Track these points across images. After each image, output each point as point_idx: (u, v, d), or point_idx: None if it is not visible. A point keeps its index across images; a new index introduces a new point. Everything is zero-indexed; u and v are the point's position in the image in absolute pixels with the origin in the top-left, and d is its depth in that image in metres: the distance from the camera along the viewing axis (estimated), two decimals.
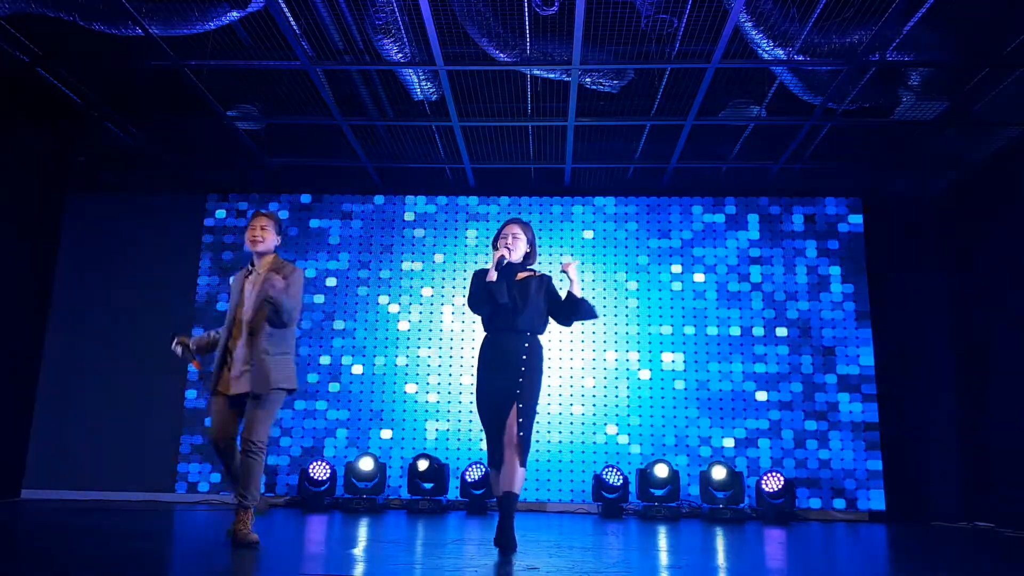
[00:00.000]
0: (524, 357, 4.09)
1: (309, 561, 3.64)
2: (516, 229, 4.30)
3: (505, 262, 4.19)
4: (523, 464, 4.03)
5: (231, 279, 4.35)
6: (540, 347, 4.21)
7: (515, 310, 4.12)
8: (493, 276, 4.14)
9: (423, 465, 7.18)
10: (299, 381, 7.82)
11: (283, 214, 8.36)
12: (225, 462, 4.10)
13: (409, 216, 8.35)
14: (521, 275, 4.27)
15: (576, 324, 7.92)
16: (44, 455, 7.80)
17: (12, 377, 7.60)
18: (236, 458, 4.05)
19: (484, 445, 4.39)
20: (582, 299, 4.23)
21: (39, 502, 7.22)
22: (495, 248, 4.28)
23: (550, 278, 4.35)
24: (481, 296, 4.13)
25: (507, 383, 4.05)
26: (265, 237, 4.24)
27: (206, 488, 7.77)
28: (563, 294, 4.27)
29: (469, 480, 7.23)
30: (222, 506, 7.31)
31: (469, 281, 4.35)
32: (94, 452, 7.75)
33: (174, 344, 4.25)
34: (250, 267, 4.27)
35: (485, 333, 4.26)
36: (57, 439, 7.81)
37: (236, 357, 4.07)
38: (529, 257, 4.34)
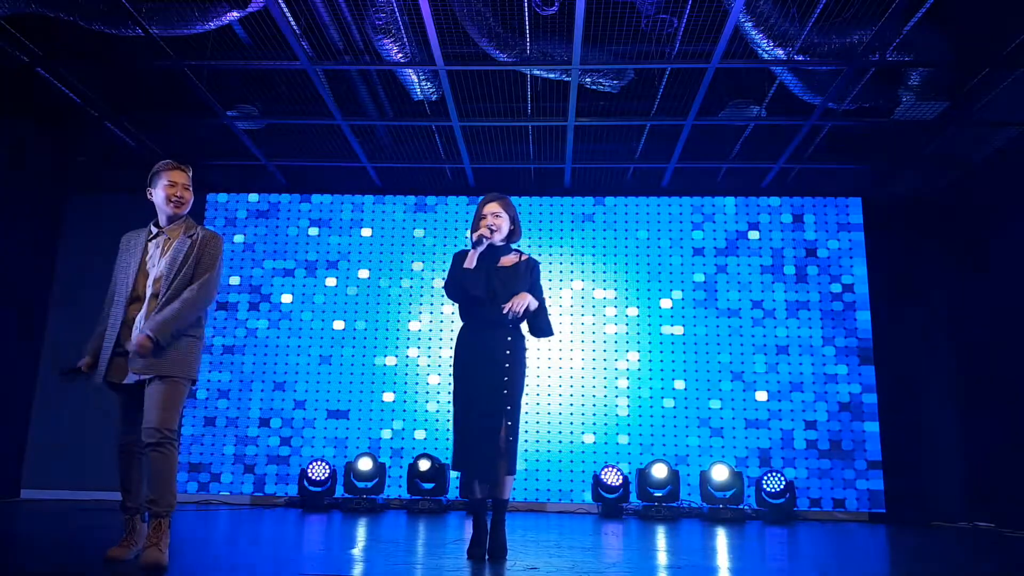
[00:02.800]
0: (508, 353, 3.72)
1: (309, 561, 3.64)
2: (496, 207, 3.86)
3: (485, 244, 3.80)
4: (512, 472, 3.71)
5: (122, 238, 3.60)
6: (524, 340, 3.85)
7: (496, 301, 3.73)
8: (472, 263, 3.77)
9: (424, 465, 7.18)
10: (300, 380, 7.94)
11: (283, 214, 8.37)
12: (130, 464, 3.46)
13: (408, 216, 8.35)
14: (506, 260, 3.88)
15: (577, 325, 8.02)
16: (43, 455, 7.79)
17: (11, 377, 7.59)
18: (139, 462, 3.43)
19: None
20: (541, 310, 3.86)
21: (38, 502, 7.22)
22: (474, 230, 3.84)
23: (537, 264, 3.96)
24: (458, 285, 3.78)
25: (490, 383, 3.67)
26: (187, 197, 3.54)
27: (205, 488, 7.76)
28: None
29: None
30: (223, 505, 7.31)
31: (449, 263, 3.95)
32: (92, 452, 7.74)
33: (75, 379, 3.59)
34: (153, 228, 3.55)
35: (463, 323, 3.86)
36: (56, 439, 7.80)
37: (135, 334, 3.33)
38: (513, 235, 3.92)
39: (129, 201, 8.39)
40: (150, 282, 3.43)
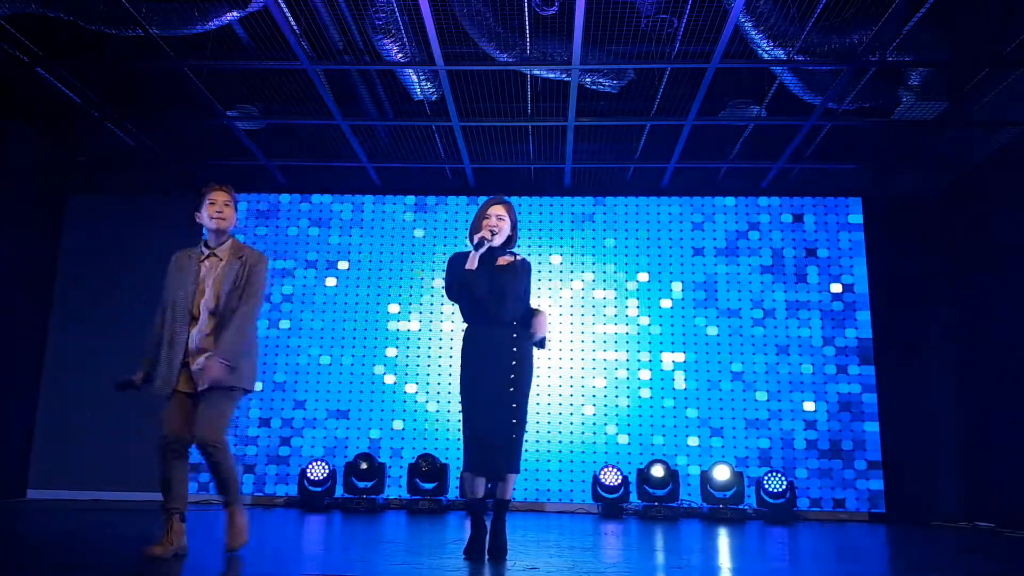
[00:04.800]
0: (515, 351, 3.78)
1: (309, 561, 3.63)
2: (501, 210, 3.90)
3: (487, 246, 3.81)
4: (516, 470, 3.74)
5: (173, 257, 3.82)
6: (530, 339, 3.89)
7: (498, 300, 3.79)
8: (474, 264, 3.78)
9: (425, 465, 7.18)
10: (301, 380, 7.94)
11: (284, 215, 8.37)
12: (182, 468, 3.63)
13: (409, 216, 8.35)
14: (503, 260, 3.91)
15: (577, 325, 8.01)
16: (48, 456, 7.79)
17: (15, 378, 7.59)
18: (184, 463, 3.64)
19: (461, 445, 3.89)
20: (539, 326, 3.88)
21: (44, 502, 7.22)
22: (476, 230, 3.88)
23: (529, 265, 4.00)
24: (459, 285, 3.81)
25: (498, 381, 3.71)
26: (228, 215, 3.78)
27: (206, 488, 7.76)
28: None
29: None
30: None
31: (446, 265, 3.98)
32: (98, 452, 7.75)
33: (128, 389, 3.81)
34: (205, 249, 3.79)
35: (467, 325, 3.91)
36: (61, 440, 7.81)
37: (193, 350, 3.63)
38: (510, 240, 3.96)
39: (129, 201, 8.42)
40: (204, 301, 3.68)
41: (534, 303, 4.04)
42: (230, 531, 3.66)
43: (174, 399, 3.64)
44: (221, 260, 3.76)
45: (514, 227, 3.95)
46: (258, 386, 7.95)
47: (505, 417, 3.69)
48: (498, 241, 3.87)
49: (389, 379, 7.97)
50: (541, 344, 3.93)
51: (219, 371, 3.54)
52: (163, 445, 3.59)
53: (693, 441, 7.73)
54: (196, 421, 3.58)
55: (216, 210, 3.77)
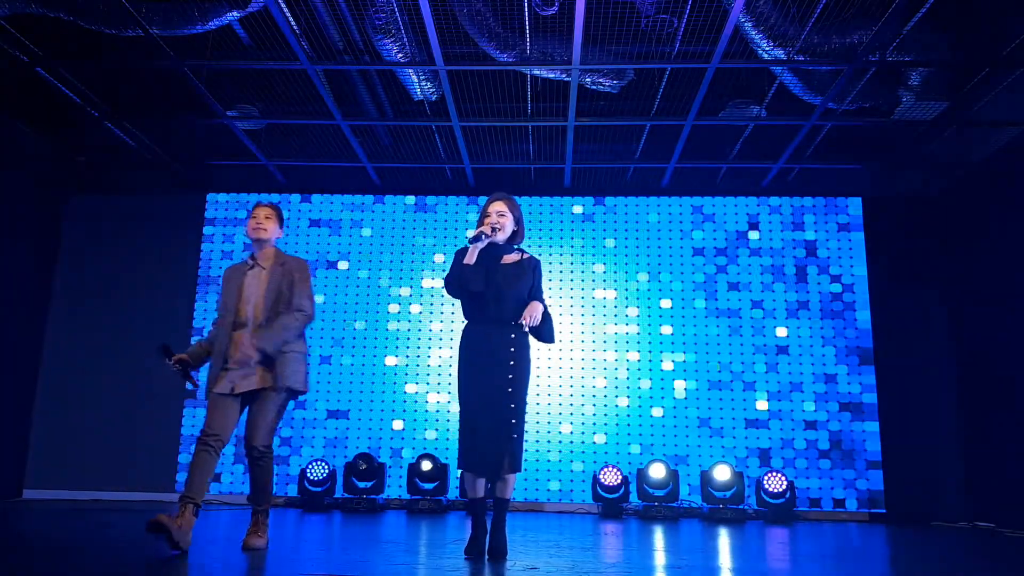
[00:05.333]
0: (512, 351, 3.74)
1: (309, 561, 3.64)
2: (502, 206, 3.87)
3: (486, 241, 3.79)
4: (516, 469, 3.72)
5: (224, 271, 4.19)
6: (527, 338, 3.85)
7: (496, 298, 3.76)
8: (472, 259, 3.77)
9: (427, 465, 7.18)
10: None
11: (284, 214, 8.35)
12: (208, 461, 3.79)
13: (408, 216, 8.35)
14: (508, 258, 3.88)
15: (577, 325, 8.01)
16: (45, 455, 7.80)
17: (13, 377, 7.60)
18: (215, 460, 3.82)
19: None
20: (545, 318, 3.83)
21: (41, 502, 7.22)
22: (478, 227, 3.87)
23: (539, 264, 3.98)
24: (457, 280, 3.79)
25: (496, 381, 3.69)
26: (268, 227, 4.09)
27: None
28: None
29: None
30: (222, 506, 7.31)
31: (451, 260, 3.98)
32: (94, 452, 7.75)
33: (171, 362, 3.97)
34: (250, 261, 4.10)
35: (466, 322, 3.88)
36: (58, 439, 7.81)
37: (240, 356, 3.89)
38: (516, 236, 3.92)
39: (129, 201, 8.43)
40: (250, 308, 3.98)
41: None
42: (254, 532, 3.92)
43: (218, 400, 3.87)
44: (264, 270, 4.06)
45: (518, 223, 3.92)
46: None
47: (503, 417, 3.68)
48: (500, 238, 3.84)
49: (389, 379, 7.97)
50: (543, 336, 3.86)
51: (248, 348, 3.85)
52: (202, 438, 3.81)
53: (693, 441, 7.73)
54: (247, 425, 3.89)
55: (256, 223, 4.09)
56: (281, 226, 4.19)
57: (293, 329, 3.94)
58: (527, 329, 3.83)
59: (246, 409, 3.98)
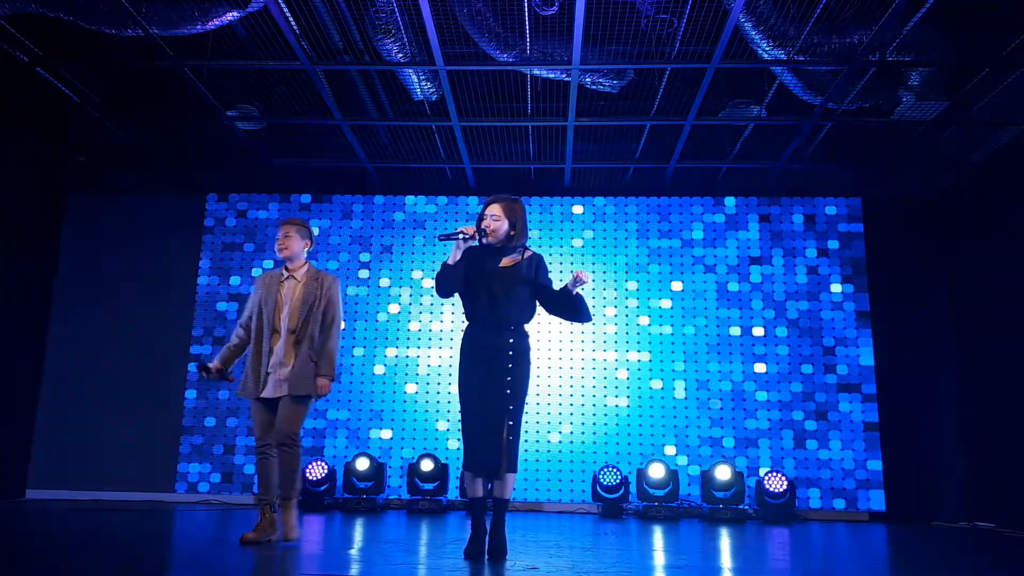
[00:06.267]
0: (511, 353, 3.74)
1: (309, 561, 3.64)
2: (495, 209, 3.84)
3: (467, 243, 3.77)
4: (513, 470, 3.73)
5: (257, 277, 4.46)
6: (527, 340, 3.85)
7: (497, 302, 3.75)
8: (454, 259, 3.78)
9: (427, 465, 7.17)
10: None
11: (283, 215, 8.36)
12: (269, 466, 4.18)
13: (409, 216, 8.35)
14: (507, 261, 3.84)
15: (577, 325, 7.99)
16: (47, 456, 7.80)
17: (15, 378, 7.59)
18: (275, 461, 4.17)
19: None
20: (579, 297, 3.83)
21: (43, 502, 7.22)
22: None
23: (541, 258, 3.92)
24: (438, 279, 3.82)
25: (494, 383, 3.71)
26: (288, 245, 4.33)
27: (206, 488, 7.76)
28: (558, 285, 3.89)
29: None
30: (221, 506, 7.31)
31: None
32: (96, 453, 7.75)
33: (210, 375, 4.29)
34: (284, 272, 4.37)
35: (467, 323, 3.88)
36: (60, 440, 7.81)
37: (275, 361, 4.19)
38: (515, 238, 3.86)
39: (129, 201, 8.43)
40: (285, 317, 4.26)
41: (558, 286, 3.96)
42: (286, 524, 4.16)
43: (259, 407, 4.21)
44: (299, 283, 4.33)
45: (516, 224, 3.85)
46: None
47: (501, 419, 3.69)
48: (495, 239, 3.82)
49: (389, 378, 7.97)
50: (580, 314, 3.87)
51: (327, 388, 4.26)
52: (258, 447, 4.22)
53: (693, 441, 7.73)
54: (277, 419, 4.17)
55: (279, 243, 4.36)
56: (305, 239, 4.40)
57: (337, 347, 4.35)
58: (576, 292, 3.80)
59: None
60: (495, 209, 3.85)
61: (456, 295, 3.90)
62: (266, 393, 4.16)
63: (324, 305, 4.30)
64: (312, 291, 4.30)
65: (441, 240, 3.79)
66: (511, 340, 3.77)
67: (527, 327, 3.88)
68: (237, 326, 4.41)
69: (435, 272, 8.05)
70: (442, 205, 8.37)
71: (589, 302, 8.05)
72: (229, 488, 7.74)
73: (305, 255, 4.42)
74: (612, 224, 8.25)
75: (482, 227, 3.82)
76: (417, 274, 8.21)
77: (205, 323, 8.07)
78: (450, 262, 3.79)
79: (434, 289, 3.98)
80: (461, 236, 3.75)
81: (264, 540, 4.05)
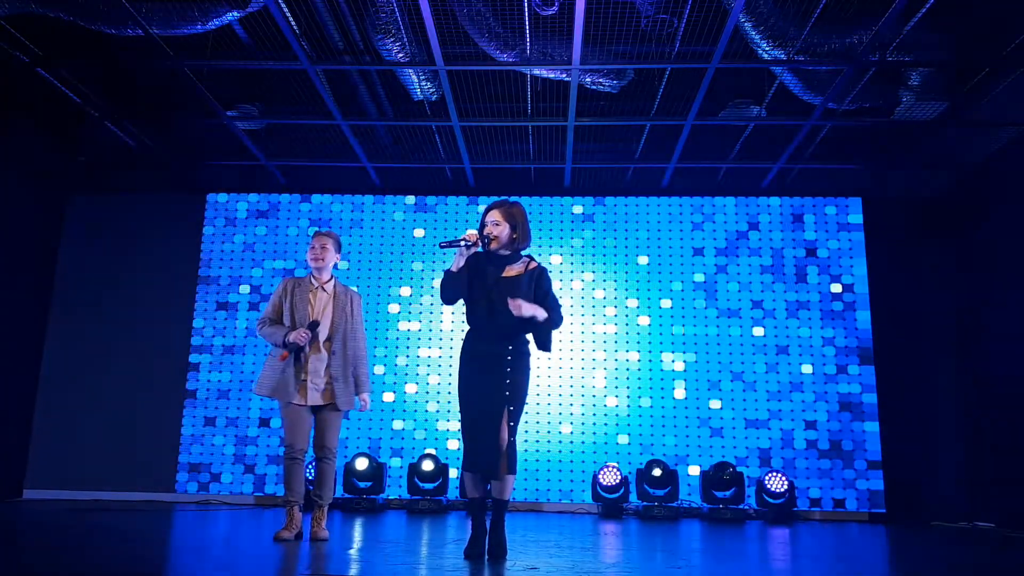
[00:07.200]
0: (510, 359, 3.74)
1: (309, 561, 3.63)
2: (496, 215, 3.81)
3: (469, 251, 3.74)
4: (512, 471, 3.73)
5: (283, 282, 4.55)
6: (526, 346, 3.83)
7: (496, 311, 3.73)
8: (457, 266, 3.75)
9: (427, 465, 7.17)
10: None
11: (283, 215, 8.36)
12: (297, 471, 4.38)
13: (409, 216, 8.35)
14: (511, 270, 3.82)
15: (577, 325, 8.00)
16: (45, 455, 7.80)
17: (13, 377, 7.60)
18: (303, 467, 4.42)
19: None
20: (538, 323, 3.75)
21: (41, 502, 7.22)
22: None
23: (544, 272, 3.88)
24: (441, 287, 3.80)
25: (493, 388, 3.70)
26: (324, 256, 4.48)
27: (198, 488, 7.76)
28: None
29: None
30: (223, 506, 7.31)
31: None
32: (95, 452, 7.75)
33: (307, 337, 4.34)
34: (314, 282, 4.52)
35: (468, 327, 3.88)
36: (58, 439, 7.81)
37: (312, 370, 4.39)
38: (518, 242, 3.83)
39: (129, 201, 8.43)
40: (322, 328, 4.43)
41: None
42: (317, 524, 4.42)
43: (294, 412, 4.37)
44: (329, 295, 4.51)
45: (517, 229, 3.82)
46: None
47: (500, 420, 3.68)
48: (497, 246, 3.80)
49: (389, 378, 7.97)
50: (539, 341, 3.83)
51: (368, 405, 4.57)
52: (287, 453, 4.39)
53: (693, 441, 7.73)
54: (317, 430, 4.45)
55: (314, 252, 4.50)
56: (337, 253, 4.58)
57: (368, 361, 4.62)
58: (523, 327, 3.77)
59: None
60: (494, 215, 3.82)
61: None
62: (312, 400, 4.37)
63: (354, 322, 4.54)
64: (343, 306, 4.51)
65: (443, 248, 3.78)
66: (509, 347, 3.75)
67: (527, 335, 3.84)
68: (264, 321, 4.46)
69: (435, 273, 8.10)
70: (442, 205, 8.36)
71: (589, 302, 8.08)
72: (229, 488, 7.74)
73: (332, 268, 4.58)
74: (612, 224, 8.25)
75: (484, 235, 3.78)
76: (416, 266, 8.20)
77: (205, 323, 8.07)
78: (453, 269, 3.76)
79: (439, 294, 3.94)
80: (463, 243, 3.72)
81: (293, 537, 4.30)
